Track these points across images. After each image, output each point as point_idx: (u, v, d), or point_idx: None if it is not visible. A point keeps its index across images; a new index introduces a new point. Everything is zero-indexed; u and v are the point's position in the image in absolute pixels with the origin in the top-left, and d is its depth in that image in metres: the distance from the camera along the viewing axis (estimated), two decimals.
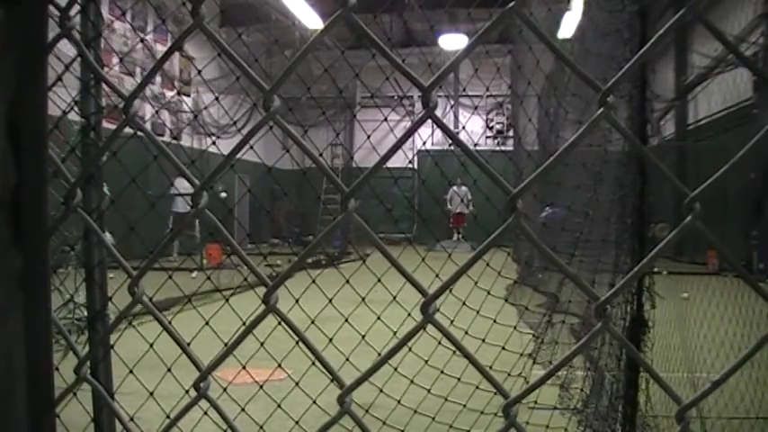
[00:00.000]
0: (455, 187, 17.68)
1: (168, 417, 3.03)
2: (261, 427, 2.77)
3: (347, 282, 2.78)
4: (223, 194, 11.13)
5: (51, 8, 0.67)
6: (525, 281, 6.95)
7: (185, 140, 14.39)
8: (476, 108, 16.95)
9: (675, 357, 4.08)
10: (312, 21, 14.45)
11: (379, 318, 2.97)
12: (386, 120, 3.30)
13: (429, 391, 3.11)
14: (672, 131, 16.08)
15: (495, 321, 3.08)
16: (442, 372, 2.95)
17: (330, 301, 2.89)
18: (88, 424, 2.38)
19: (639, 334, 2.64)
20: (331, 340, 2.76)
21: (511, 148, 16.10)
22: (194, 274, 7.11)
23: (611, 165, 3.29)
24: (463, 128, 16.64)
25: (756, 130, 0.71)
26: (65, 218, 0.87)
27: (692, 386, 3.84)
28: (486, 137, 20.72)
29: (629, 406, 2.69)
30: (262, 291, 0.84)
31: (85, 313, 2.04)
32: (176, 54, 13.04)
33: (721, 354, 3.92)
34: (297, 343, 0.91)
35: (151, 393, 2.79)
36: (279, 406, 2.85)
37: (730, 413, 3.17)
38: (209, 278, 3.22)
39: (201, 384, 0.85)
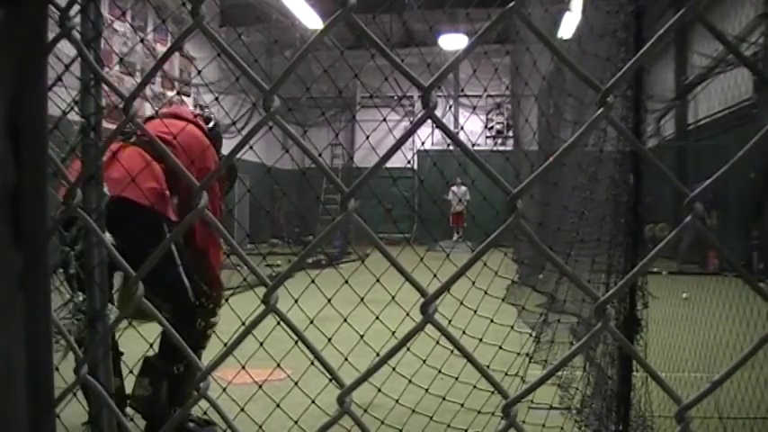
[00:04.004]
0: (454, 187, 17.71)
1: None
2: (260, 427, 2.77)
3: (346, 282, 2.78)
4: None
5: (51, 8, 0.67)
6: (524, 281, 6.96)
7: None
8: (474, 108, 16.94)
9: (675, 357, 4.08)
10: (312, 21, 14.46)
11: (378, 318, 2.97)
12: (385, 120, 3.30)
13: (427, 390, 3.11)
14: (672, 131, 16.09)
15: (492, 321, 3.09)
16: (440, 371, 2.95)
17: (329, 301, 2.90)
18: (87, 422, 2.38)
19: (633, 333, 2.64)
20: (330, 340, 2.76)
21: (510, 148, 16.11)
22: None
23: (606, 164, 3.29)
24: (462, 128, 16.65)
25: (756, 130, 0.71)
26: (65, 218, 0.87)
27: (693, 386, 3.84)
28: (486, 137, 20.74)
29: (623, 404, 2.70)
30: (261, 291, 0.84)
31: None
32: (176, 54, 13.04)
33: (721, 354, 3.93)
34: (296, 343, 0.91)
35: None
36: (278, 406, 2.85)
37: (730, 413, 3.17)
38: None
39: (201, 384, 0.85)
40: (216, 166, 3.18)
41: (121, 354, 3.07)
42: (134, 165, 2.84)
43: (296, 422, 2.82)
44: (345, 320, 2.86)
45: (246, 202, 16.52)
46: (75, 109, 1.98)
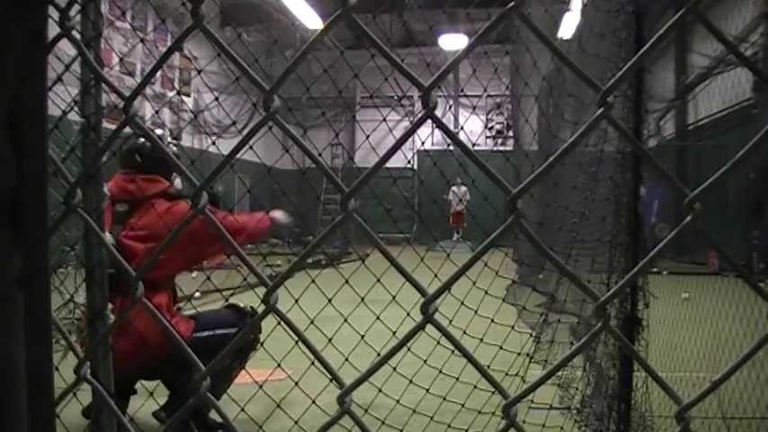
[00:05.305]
0: (454, 187, 17.72)
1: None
2: (261, 428, 2.77)
3: (347, 282, 2.78)
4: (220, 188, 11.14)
5: (51, 8, 0.67)
6: (525, 281, 6.95)
7: (185, 140, 14.38)
8: (474, 108, 16.94)
9: (675, 357, 4.08)
10: (312, 21, 14.45)
11: (378, 318, 2.97)
12: (385, 120, 3.30)
13: (428, 390, 3.11)
14: (672, 131, 16.09)
15: (493, 321, 3.08)
16: (440, 372, 2.95)
17: (330, 301, 2.89)
18: (88, 424, 2.39)
19: (634, 333, 2.64)
20: (330, 340, 2.76)
21: (510, 148, 16.11)
22: (194, 274, 7.09)
23: (607, 164, 3.29)
24: (462, 128, 16.65)
25: (756, 130, 0.71)
26: (65, 218, 0.87)
27: (693, 386, 3.84)
28: (486, 137, 20.74)
29: (624, 404, 2.70)
30: (261, 291, 0.84)
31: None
32: (176, 54, 13.04)
33: (721, 354, 3.92)
34: (296, 343, 0.91)
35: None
36: (279, 406, 2.85)
37: (735, 413, 3.17)
38: (208, 278, 3.22)
39: (203, 384, 0.85)
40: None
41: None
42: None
43: (296, 422, 2.82)
44: (346, 320, 2.86)
45: (246, 202, 16.50)
46: (75, 109, 1.98)
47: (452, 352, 0.85)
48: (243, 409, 2.79)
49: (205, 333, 3.02)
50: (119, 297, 2.61)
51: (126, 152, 3.10)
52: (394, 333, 2.49)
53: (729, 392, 3.20)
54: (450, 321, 2.60)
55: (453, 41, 16.36)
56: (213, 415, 3.17)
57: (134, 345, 2.76)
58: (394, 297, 2.53)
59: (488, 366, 0.99)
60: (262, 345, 3.17)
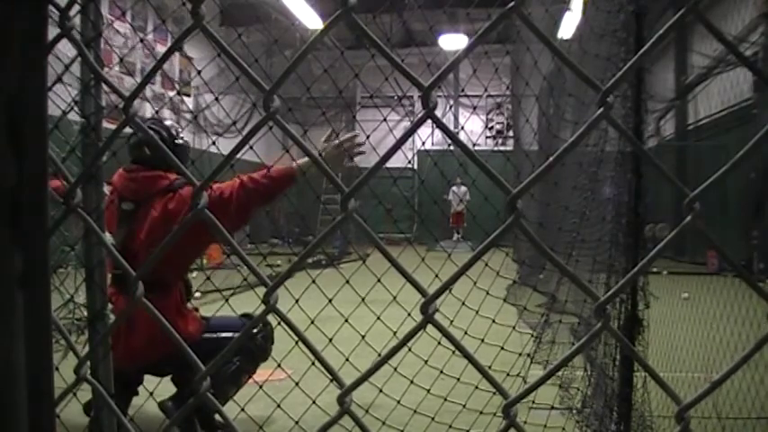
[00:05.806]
0: (454, 187, 17.73)
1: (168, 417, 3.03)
2: (261, 428, 2.77)
3: (347, 282, 2.78)
4: None
5: (51, 8, 0.67)
6: (525, 281, 6.95)
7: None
8: (474, 108, 16.94)
9: (675, 357, 4.08)
10: (312, 21, 14.45)
11: (378, 318, 2.97)
12: (385, 120, 3.30)
13: (428, 391, 3.11)
14: (672, 131, 16.09)
15: (494, 321, 3.08)
16: (441, 372, 2.95)
17: (330, 301, 2.89)
18: (88, 423, 2.38)
19: (634, 333, 2.64)
20: (331, 340, 2.76)
21: (510, 148, 16.11)
22: (194, 274, 7.08)
23: (607, 164, 3.29)
24: (462, 128, 16.65)
25: (756, 130, 0.71)
26: (65, 218, 0.87)
27: (692, 386, 3.84)
28: (486, 137, 20.74)
29: (624, 405, 2.70)
30: (261, 291, 0.84)
31: (85, 313, 2.03)
32: (176, 54, 13.04)
33: (721, 354, 3.93)
34: (297, 343, 0.91)
35: (151, 393, 2.80)
36: (279, 406, 2.85)
37: (730, 413, 3.17)
38: (208, 278, 3.22)
39: (203, 384, 0.85)
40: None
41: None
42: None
43: (296, 422, 2.82)
44: (346, 320, 2.86)
45: None
46: (75, 109, 1.98)
47: (453, 352, 0.85)
48: (243, 409, 2.79)
49: (215, 335, 3.02)
50: (126, 295, 2.60)
51: (134, 145, 3.04)
52: (394, 333, 2.49)
53: (725, 393, 3.20)
54: (452, 322, 2.60)
55: (453, 41, 16.35)
56: (217, 416, 3.17)
57: (143, 341, 2.76)
58: (394, 297, 2.53)
59: (489, 367, 0.99)
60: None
